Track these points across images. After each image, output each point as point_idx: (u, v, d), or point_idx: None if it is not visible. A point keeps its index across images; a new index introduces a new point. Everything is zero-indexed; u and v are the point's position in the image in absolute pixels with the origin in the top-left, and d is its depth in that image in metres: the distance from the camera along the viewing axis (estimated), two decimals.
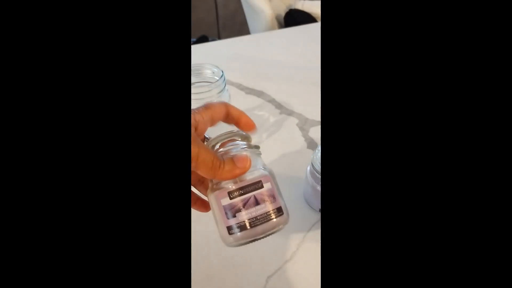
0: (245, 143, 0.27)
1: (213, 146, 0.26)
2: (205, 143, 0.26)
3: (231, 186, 0.24)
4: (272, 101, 0.65)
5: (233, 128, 0.28)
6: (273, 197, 0.25)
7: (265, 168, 0.26)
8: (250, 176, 0.25)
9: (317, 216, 0.42)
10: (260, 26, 1.13)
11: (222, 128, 0.28)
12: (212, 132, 0.28)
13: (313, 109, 0.62)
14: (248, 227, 0.24)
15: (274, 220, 0.25)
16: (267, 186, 0.25)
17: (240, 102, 0.64)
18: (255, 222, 0.24)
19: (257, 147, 0.27)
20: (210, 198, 0.25)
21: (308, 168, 0.42)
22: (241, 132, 0.28)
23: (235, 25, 1.93)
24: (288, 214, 0.26)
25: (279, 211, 0.25)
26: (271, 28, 1.12)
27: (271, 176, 0.26)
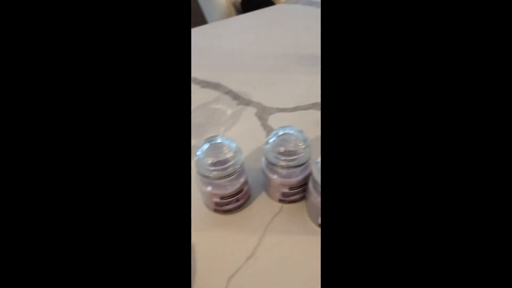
0: None
1: None
2: None
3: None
4: (229, 92, 0.63)
5: None
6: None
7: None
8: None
9: (278, 207, 0.41)
10: (216, 14, 1.09)
11: None
12: None
13: (271, 96, 0.61)
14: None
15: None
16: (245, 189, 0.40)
17: (195, 97, 0.61)
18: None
19: None
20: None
21: (263, 159, 0.40)
22: None
23: (196, 16, 1.87)
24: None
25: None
26: (228, 15, 1.09)
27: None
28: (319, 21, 0.98)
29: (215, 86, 0.65)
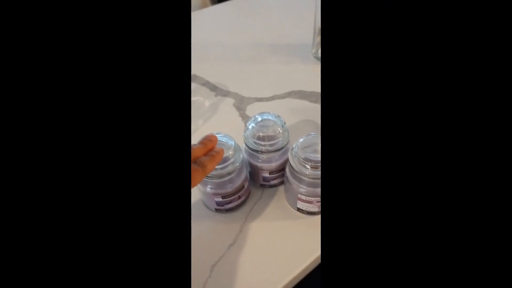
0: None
1: None
2: None
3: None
4: (206, 84, 0.62)
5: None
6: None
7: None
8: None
9: (260, 192, 0.42)
10: (192, 5, 1.07)
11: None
12: None
13: (248, 86, 0.61)
14: None
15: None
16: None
17: None
18: None
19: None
20: None
21: (243, 146, 0.40)
22: None
23: None
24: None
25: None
26: (203, 6, 1.07)
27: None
28: (291, 10, 0.99)
29: (192, 77, 0.63)
